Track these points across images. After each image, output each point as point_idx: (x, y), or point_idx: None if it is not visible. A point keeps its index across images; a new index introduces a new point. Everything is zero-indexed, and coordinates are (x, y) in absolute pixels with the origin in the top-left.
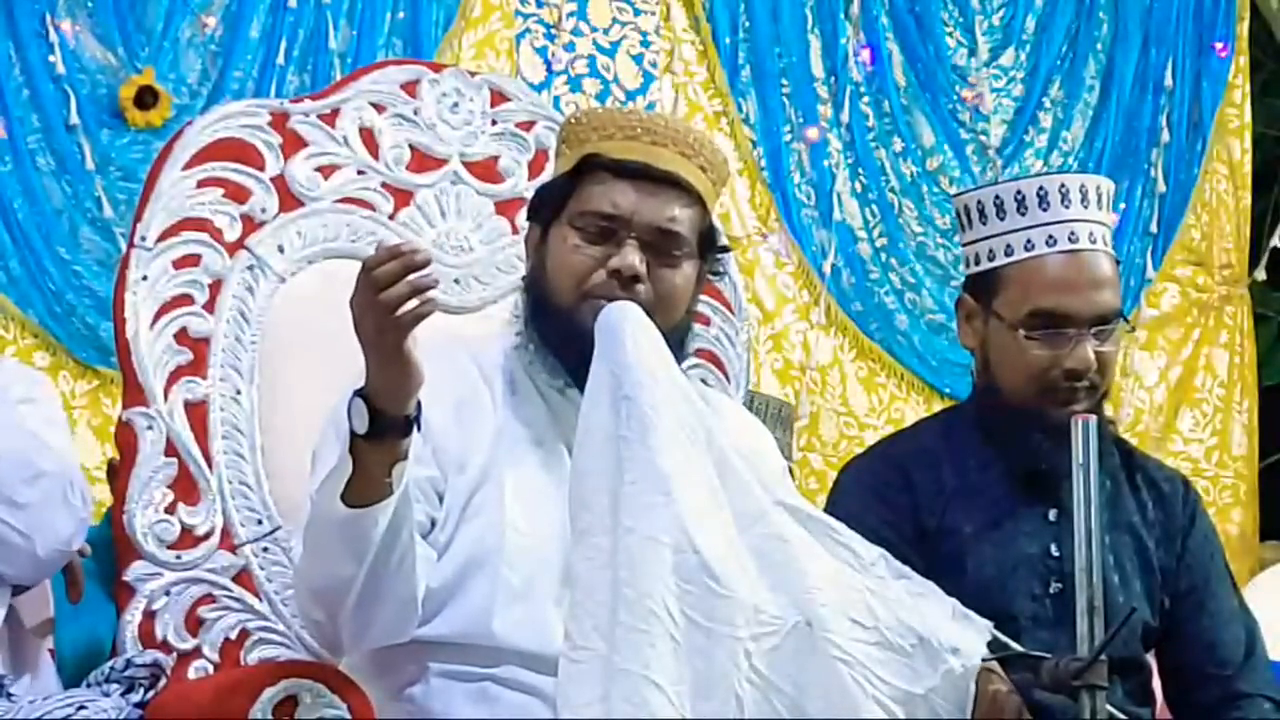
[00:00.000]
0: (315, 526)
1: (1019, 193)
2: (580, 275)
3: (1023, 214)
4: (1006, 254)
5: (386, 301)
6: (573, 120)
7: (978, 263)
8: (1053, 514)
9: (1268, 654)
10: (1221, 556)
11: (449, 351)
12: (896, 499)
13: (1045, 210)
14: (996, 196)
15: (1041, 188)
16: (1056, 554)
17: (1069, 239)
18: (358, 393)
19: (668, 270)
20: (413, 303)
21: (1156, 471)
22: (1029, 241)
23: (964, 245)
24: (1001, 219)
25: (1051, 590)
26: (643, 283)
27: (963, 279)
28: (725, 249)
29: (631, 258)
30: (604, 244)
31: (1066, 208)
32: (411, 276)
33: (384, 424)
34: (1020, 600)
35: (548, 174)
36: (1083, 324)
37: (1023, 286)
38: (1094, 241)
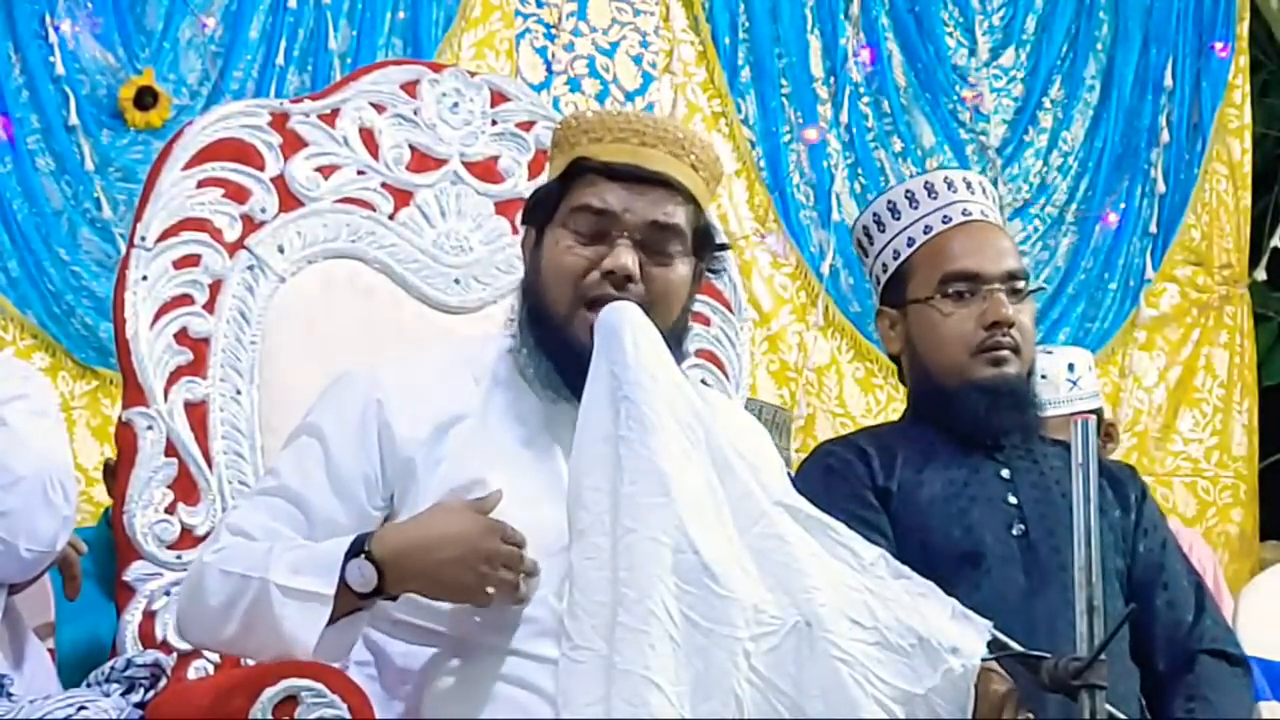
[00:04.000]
0: (244, 601)
1: (908, 191)
2: (574, 277)
3: (915, 208)
4: (909, 245)
5: (509, 581)
6: (563, 124)
7: (885, 270)
8: (1005, 472)
9: (1221, 613)
10: (1169, 532)
11: (442, 355)
12: (852, 471)
13: (935, 198)
14: (889, 201)
15: (928, 182)
16: (1015, 502)
17: (963, 214)
18: (367, 552)
19: (662, 269)
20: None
21: (1103, 460)
22: (927, 226)
23: (871, 265)
24: (897, 219)
25: (1015, 532)
26: (636, 283)
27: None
28: (724, 246)
29: (624, 258)
30: (596, 244)
31: (954, 192)
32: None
33: (379, 592)
34: (987, 540)
35: (544, 177)
36: (993, 280)
37: (931, 263)
38: (986, 217)
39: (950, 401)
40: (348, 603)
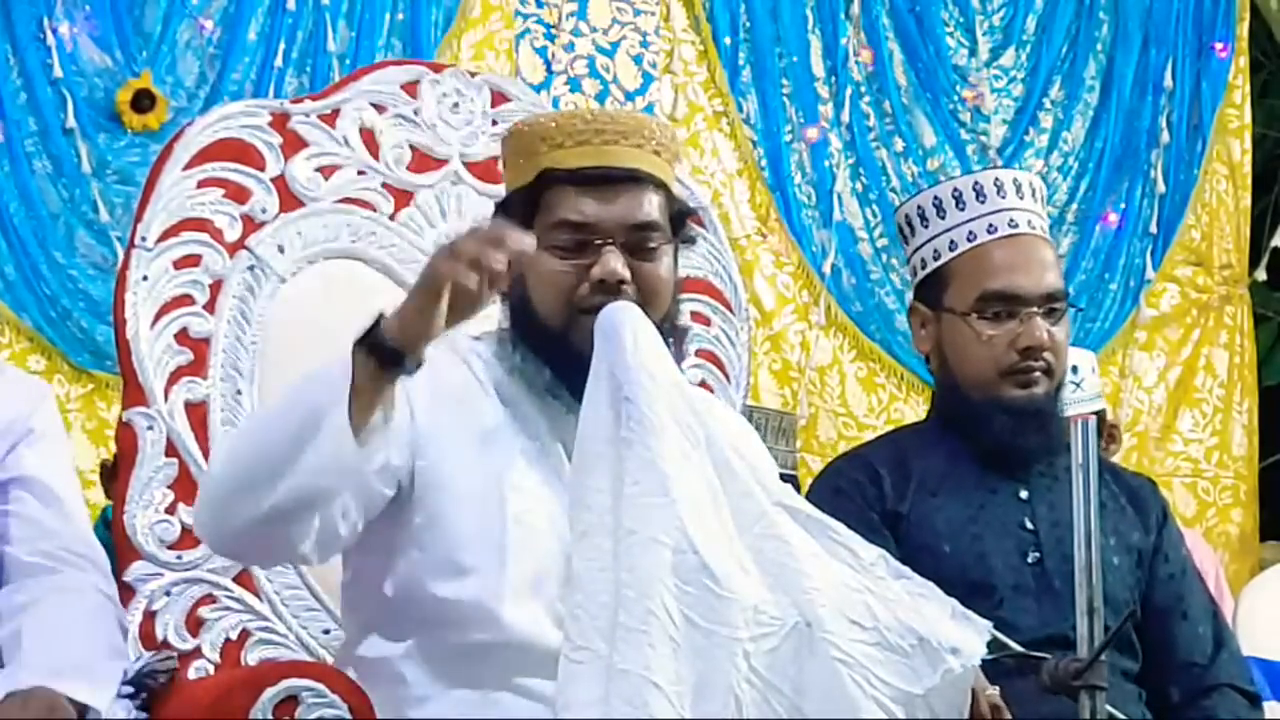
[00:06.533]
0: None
1: (956, 190)
2: (565, 292)
3: (961, 209)
4: (950, 249)
5: (466, 275)
6: (515, 133)
7: (924, 266)
8: (1024, 493)
9: (1238, 646)
10: (1189, 555)
11: (444, 352)
12: (862, 492)
13: (983, 203)
14: (935, 197)
15: (977, 183)
16: (1031, 527)
17: (1009, 225)
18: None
19: (648, 265)
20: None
21: (1124, 473)
22: (971, 233)
23: (910, 255)
24: (942, 218)
25: (1030, 560)
26: (628, 284)
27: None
28: (689, 214)
29: (614, 264)
30: (581, 255)
31: (1003, 198)
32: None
33: (384, 350)
34: (1000, 570)
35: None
36: (1032, 302)
37: (970, 274)
38: (1033, 228)
39: (975, 416)
40: (370, 388)
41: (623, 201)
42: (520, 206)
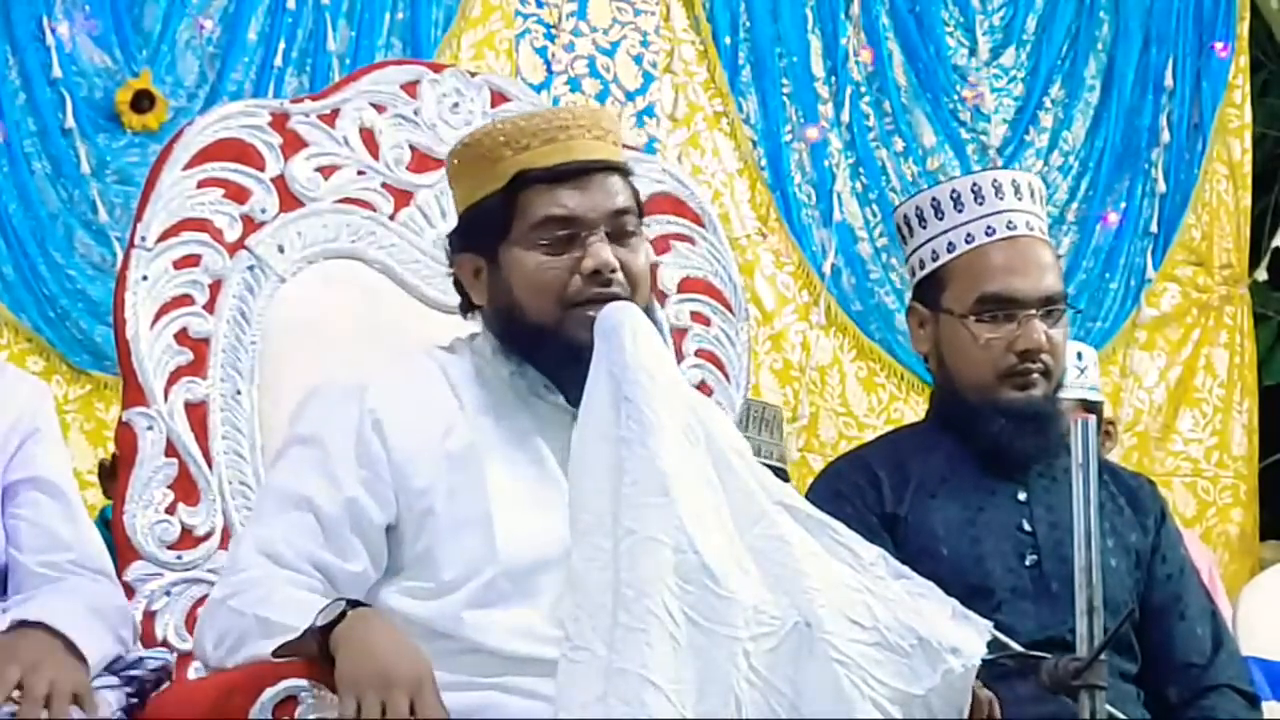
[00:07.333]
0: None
1: (954, 191)
2: (557, 289)
3: (960, 211)
4: (949, 250)
5: None
6: (471, 143)
7: (923, 267)
8: (1022, 495)
9: (1237, 647)
10: (1188, 555)
11: (419, 366)
12: (861, 496)
13: (981, 204)
14: (933, 199)
15: (975, 184)
16: (1029, 530)
17: (1007, 227)
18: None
19: (630, 253)
20: None
21: (1123, 472)
22: (969, 235)
23: (908, 255)
24: (940, 219)
25: (1027, 563)
26: (618, 272)
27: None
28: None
29: (604, 253)
30: (568, 249)
31: (1001, 200)
32: None
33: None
34: (998, 573)
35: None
36: (1030, 305)
37: (968, 276)
38: (1031, 229)
39: (973, 418)
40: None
41: (599, 191)
42: (495, 212)
